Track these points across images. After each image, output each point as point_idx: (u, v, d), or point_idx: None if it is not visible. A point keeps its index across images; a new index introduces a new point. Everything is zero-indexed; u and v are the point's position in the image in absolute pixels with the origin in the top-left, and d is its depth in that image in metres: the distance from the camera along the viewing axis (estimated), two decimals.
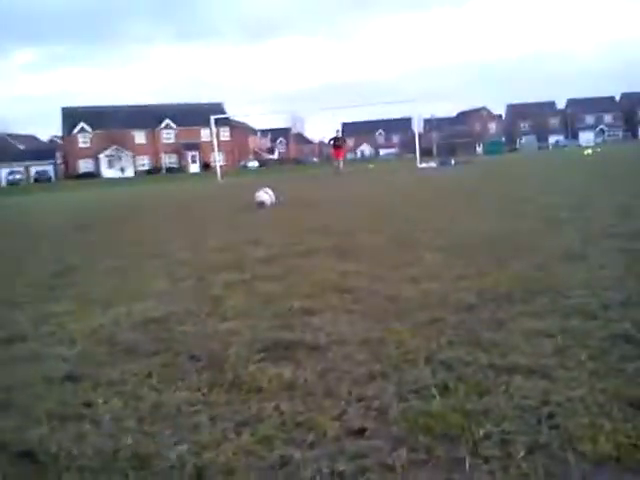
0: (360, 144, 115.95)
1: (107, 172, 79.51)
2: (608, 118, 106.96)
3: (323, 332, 3.15)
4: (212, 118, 39.83)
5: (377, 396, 2.29)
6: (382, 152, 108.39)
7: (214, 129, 43.01)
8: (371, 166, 45.52)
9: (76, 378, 2.75)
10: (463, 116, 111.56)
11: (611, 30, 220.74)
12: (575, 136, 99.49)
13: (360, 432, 2.02)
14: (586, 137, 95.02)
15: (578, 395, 2.14)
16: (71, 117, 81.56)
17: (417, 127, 53.95)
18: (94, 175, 77.45)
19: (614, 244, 4.96)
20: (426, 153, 44.88)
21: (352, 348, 2.87)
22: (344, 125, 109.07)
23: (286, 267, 5.13)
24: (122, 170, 79.07)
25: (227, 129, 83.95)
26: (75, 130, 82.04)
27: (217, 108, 76.93)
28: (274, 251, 6.06)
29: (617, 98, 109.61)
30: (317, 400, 2.30)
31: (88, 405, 2.42)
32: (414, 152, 40.57)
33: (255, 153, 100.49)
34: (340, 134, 31.94)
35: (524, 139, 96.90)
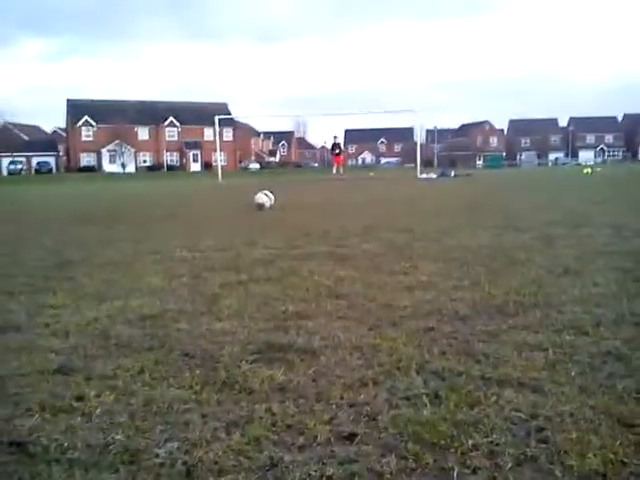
0: (362, 152, 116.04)
1: (108, 167, 79.47)
2: (609, 138, 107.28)
3: (317, 336, 3.17)
4: (216, 118, 39.85)
5: (368, 402, 2.30)
6: (383, 160, 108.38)
7: (217, 129, 43.03)
8: (371, 174, 45.57)
9: (68, 371, 2.76)
10: (465, 129, 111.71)
11: (616, 50, 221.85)
12: (575, 154, 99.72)
13: (350, 437, 2.03)
14: (586, 156, 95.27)
15: (567, 410, 2.16)
16: (75, 110, 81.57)
17: (419, 137, 54.02)
18: (95, 169, 77.45)
19: (609, 262, 4.99)
20: (427, 164, 44.93)
21: (345, 353, 2.89)
22: (347, 132, 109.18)
23: (282, 270, 5.14)
24: (123, 165, 79.02)
25: (230, 130, 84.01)
26: (79, 123, 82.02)
27: (221, 108, 76.94)
28: (271, 253, 6.07)
29: (619, 118, 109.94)
30: (308, 404, 2.31)
31: (80, 398, 2.42)
32: (415, 162, 40.63)
33: (257, 155, 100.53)
34: (337, 141, 31.89)
35: (524, 155, 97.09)
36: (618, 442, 1.91)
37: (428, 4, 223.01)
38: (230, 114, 73.56)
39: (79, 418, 2.24)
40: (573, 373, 2.52)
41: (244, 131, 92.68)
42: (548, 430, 2.02)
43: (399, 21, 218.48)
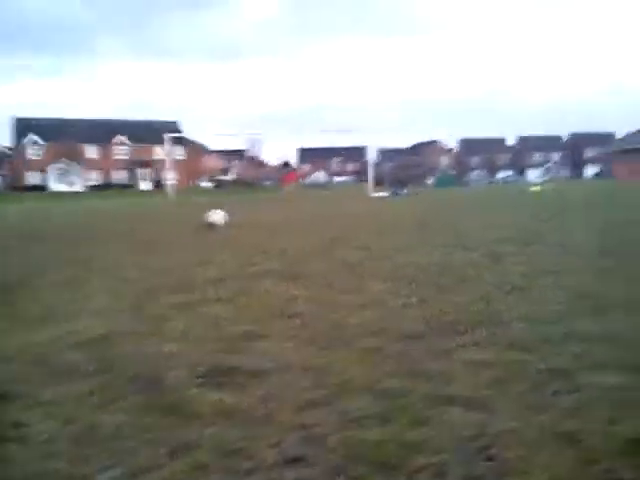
0: (316, 170, 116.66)
1: (56, 185, 77.78)
2: (555, 156, 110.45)
3: (267, 357, 3.13)
4: (166, 136, 39.51)
5: (318, 424, 2.28)
6: (337, 179, 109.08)
7: (168, 147, 42.66)
8: (326, 192, 45.78)
9: (9, 398, 2.66)
10: (416, 148, 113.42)
11: (562, 72, 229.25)
12: (524, 173, 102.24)
13: (299, 460, 2.01)
14: (534, 174, 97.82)
15: (514, 427, 2.18)
16: (23, 127, 79.78)
17: (371, 157, 54.70)
18: (43, 188, 75.68)
19: (556, 280, 5.09)
20: (380, 182, 45.38)
21: (295, 375, 2.86)
22: (301, 151, 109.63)
23: (234, 290, 5.09)
24: (71, 184, 77.48)
25: (181, 148, 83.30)
26: (25, 141, 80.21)
27: (172, 126, 76.27)
28: (222, 273, 6.01)
29: (565, 137, 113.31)
30: (257, 427, 2.28)
31: (19, 425, 2.34)
32: (368, 180, 41.05)
33: (210, 173, 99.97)
34: (287, 161, 31.99)
35: (474, 174, 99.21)
36: (563, 459, 1.94)
37: (381, 22, 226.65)
38: (182, 132, 73.05)
39: (17, 446, 2.16)
40: (520, 390, 2.55)
41: (196, 149, 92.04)
42: (495, 448, 2.03)
43: (353, 39, 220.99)
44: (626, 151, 68.70)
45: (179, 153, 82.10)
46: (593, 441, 2.05)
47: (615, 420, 2.21)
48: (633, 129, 72.13)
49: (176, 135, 51.82)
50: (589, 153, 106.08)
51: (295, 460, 2.01)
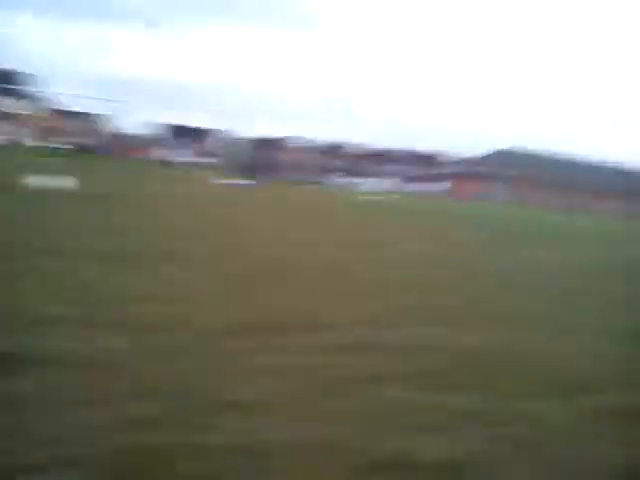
0: (170, 149, 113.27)
1: None
2: (400, 169, 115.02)
3: None
4: (19, 88, 36.24)
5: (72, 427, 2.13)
6: (189, 160, 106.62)
7: (18, 101, 39.18)
8: (174, 172, 42.58)
9: None
10: (267, 141, 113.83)
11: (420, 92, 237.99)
12: (354, 179, 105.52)
13: (37, 469, 1.88)
14: (374, 182, 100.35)
15: (282, 439, 2.18)
16: None
17: (226, 143, 53.68)
18: None
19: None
20: (235, 170, 44.44)
21: None
22: (162, 126, 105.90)
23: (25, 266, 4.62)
24: None
25: (33, 103, 77.03)
26: None
27: (25, 78, 70.36)
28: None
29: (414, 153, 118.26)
30: None
31: None
32: (221, 166, 39.88)
33: (68, 136, 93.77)
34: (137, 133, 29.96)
35: (316, 174, 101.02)
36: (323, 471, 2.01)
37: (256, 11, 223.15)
38: (38, 86, 67.57)
39: None
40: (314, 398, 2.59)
41: (57, 109, 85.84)
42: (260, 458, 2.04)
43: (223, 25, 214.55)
44: (459, 174, 74.74)
45: (30, 109, 75.87)
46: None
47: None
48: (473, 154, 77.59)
49: (31, 89, 47.88)
50: (435, 170, 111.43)
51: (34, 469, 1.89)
